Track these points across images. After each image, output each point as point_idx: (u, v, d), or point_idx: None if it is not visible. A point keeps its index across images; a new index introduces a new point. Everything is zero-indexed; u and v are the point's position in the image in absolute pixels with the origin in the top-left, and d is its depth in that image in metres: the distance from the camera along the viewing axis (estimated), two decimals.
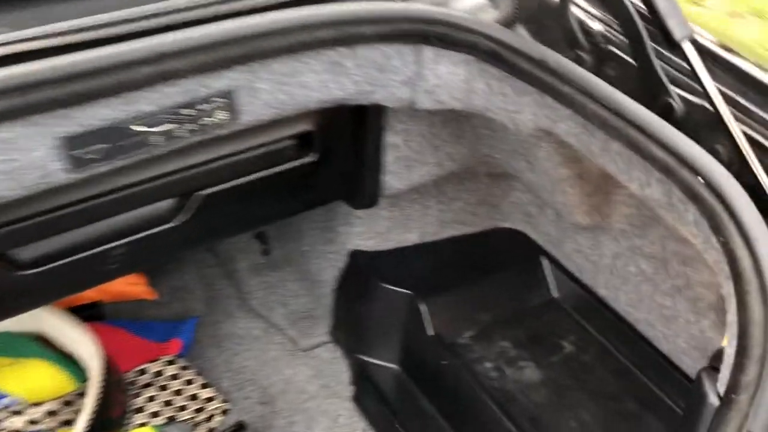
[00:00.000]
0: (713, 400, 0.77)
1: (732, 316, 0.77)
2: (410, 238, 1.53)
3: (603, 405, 1.31)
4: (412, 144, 1.27)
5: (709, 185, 0.79)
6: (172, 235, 1.06)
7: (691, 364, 1.23)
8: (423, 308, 1.41)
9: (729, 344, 0.77)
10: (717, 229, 0.77)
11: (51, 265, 0.98)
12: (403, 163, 1.28)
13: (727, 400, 0.75)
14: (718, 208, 0.77)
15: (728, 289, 0.77)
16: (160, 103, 0.87)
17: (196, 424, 1.51)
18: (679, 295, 1.18)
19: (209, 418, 1.53)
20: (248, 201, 1.15)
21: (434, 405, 1.42)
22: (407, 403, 1.45)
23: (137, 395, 1.51)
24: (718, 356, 0.82)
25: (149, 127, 0.87)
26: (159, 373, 1.57)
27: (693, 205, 0.80)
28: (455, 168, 1.37)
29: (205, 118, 0.90)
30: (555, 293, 1.52)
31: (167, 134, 0.89)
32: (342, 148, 1.22)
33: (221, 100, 0.92)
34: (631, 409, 1.30)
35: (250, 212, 1.18)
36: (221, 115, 0.91)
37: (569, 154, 1.12)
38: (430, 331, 1.41)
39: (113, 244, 1.02)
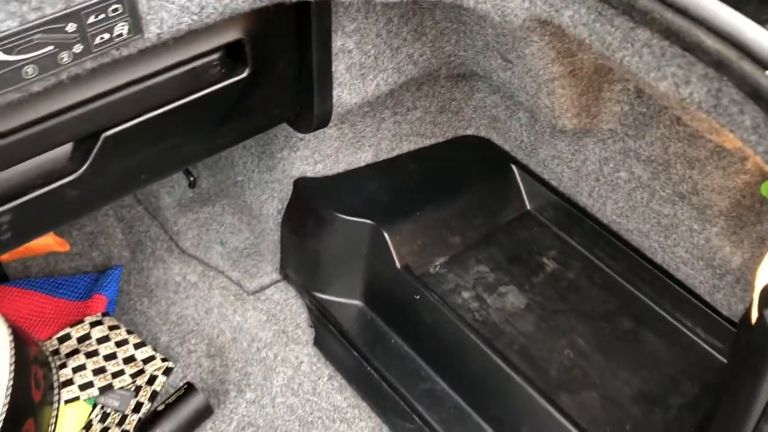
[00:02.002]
0: None
1: None
2: (363, 157, 1.32)
3: (596, 326, 1.19)
4: (367, 47, 1.04)
5: None
6: (75, 190, 0.82)
7: (691, 274, 1.11)
8: (388, 238, 1.23)
9: None
10: None
11: None
12: (356, 71, 1.05)
13: None
14: None
15: None
16: (26, 17, 0.61)
17: (137, 389, 1.32)
18: (681, 202, 1.04)
19: (151, 380, 1.33)
20: (167, 138, 0.90)
21: (407, 343, 1.27)
22: (376, 342, 1.30)
23: (62, 366, 1.30)
24: None
25: (17, 54, 0.61)
26: (85, 338, 1.35)
27: (754, 106, 0.63)
28: (415, 73, 1.15)
29: (98, 36, 0.65)
30: (529, 205, 1.36)
31: (47, 62, 0.64)
32: (281, 60, 0.97)
33: (117, 6, 0.66)
34: (627, 327, 1.19)
35: (171, 152, 0.93)
36: (120, 29, 0.66)
37: (564, 49, 0.92)
38: (398, 264, 1.23)
39: None
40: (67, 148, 0.81)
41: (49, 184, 0.79)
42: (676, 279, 1.17)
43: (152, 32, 0.69)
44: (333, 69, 1.02)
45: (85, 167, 0.81)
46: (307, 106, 1.03)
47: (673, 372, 1.13)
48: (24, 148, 0.75)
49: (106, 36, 0.66)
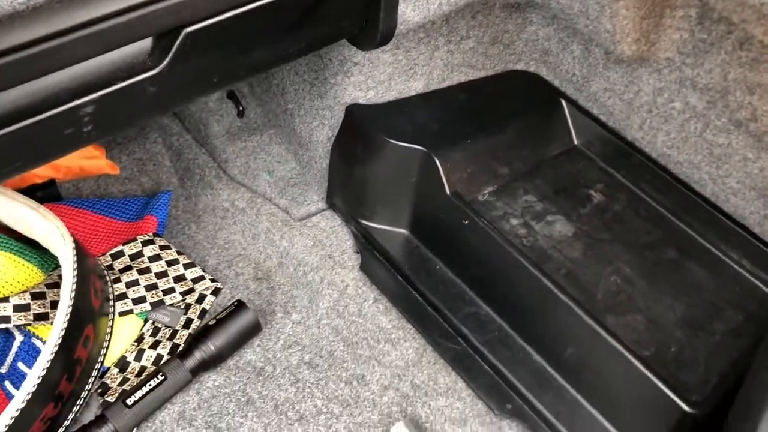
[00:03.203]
0: None
1: None
2: (414, 86, 1.33)
3: (641, 255, 1.21)
4: None
5: None
6: (153, 86, 0.84)
7: (741, 204, 1.12)
8: (439, 164, 1.25)
9: None
10: None
11: (6, 130, 0.76)
12: None
13: None
14: None
15: None
16: None
17: (187, 307, 1.36)
18: (738, 131, 1.05)
19: (200, 299, 1.38)
20: (241, 40, 0.92)
21: (452, 270, 1.30)
22: (421, 268, 1.33)
23: (116, 281, 1.34)
24: None
25: None
26: (137, 255, 1.39)
27: None
28: None
29: None
30: (577, 140, 1.37)
31: None
32: None
33: None
34: (672, 257, 1.20)
35: (243, 56, 0.95)
36: None
37: None
38: (448, 190, 1.25)
39: (82, 100, 0.79)
40: (148, 43, 0.84)
41: (130, 77, 0.82)
42: (724, 212, 1.18)
43: None
44: None
45: (164, 63, 0.83)
46: (373, 21, 1.04)
47: (717, 300, 1.15)
48: (109, 38, 0.77)
49: None
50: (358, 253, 1.39)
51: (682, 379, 1.04)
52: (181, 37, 0.83)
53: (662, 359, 1.06)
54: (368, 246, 1.38)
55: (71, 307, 1.13)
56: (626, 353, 1.04)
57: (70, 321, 1.13)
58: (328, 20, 1.01)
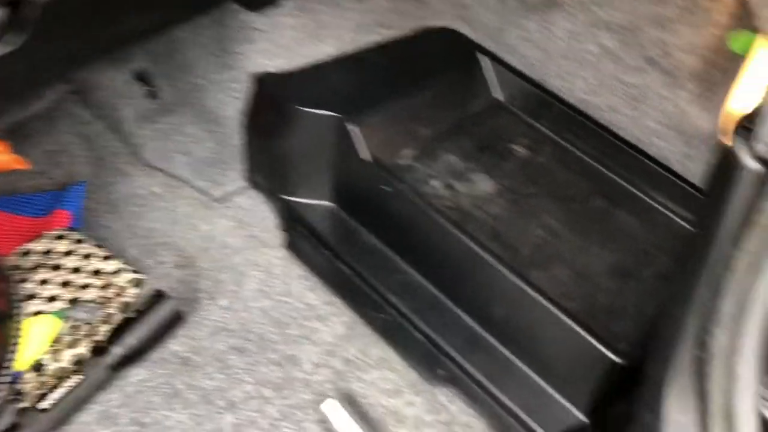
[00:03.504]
0: (751, 164, 0.62)
1: None
2: (325, 50, 1.27)
3: (567, 207, 1.17)
4: None
5: None
6: (18, 62, 0.77)
7: (663, 145, 1.10)
8: (354, 131, 1.19)
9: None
10: None
11: None
12: None
13: None
14: None
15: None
16: None
17: (107, 301, 1.29)
18: (651, 68, 1.01)
19: (120, 292, 1.31)
20: (110, 8, 0.85)
21: (379, 238, 1.25)
22: (347, 240, 1.28)
23: (23, 281, 1.27)
24: (746, 118, 0.65)
25: None
26: (48, 252, 1.32)
27: None
28: None
29: None
30: (499, 94, 1.33)
31: None
32: None
33: None
34: (599, 207, 1.17)
35: (110, 25, 0.88)
36: None
37: None
38: (366, 156, 1.20)
39: None
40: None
41: None
42: (647, 154, 1.15)
43: None
44: None
45: (15, 37, 0.76)
46: None
47: (646, 246, 1.12)
48: None
49: None
50: (282, 230, 1.34)
51: (611, 330, 1.01)
52: (33, 5, 0.75)
53: (590, 311, 1.03)
54: (292, 222, 1.32)
55: None
56: (552, 307, 1.00)
57: None
58: None
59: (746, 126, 0.64)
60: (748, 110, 0.65)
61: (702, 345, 0.67)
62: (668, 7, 0.96)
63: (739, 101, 0.69)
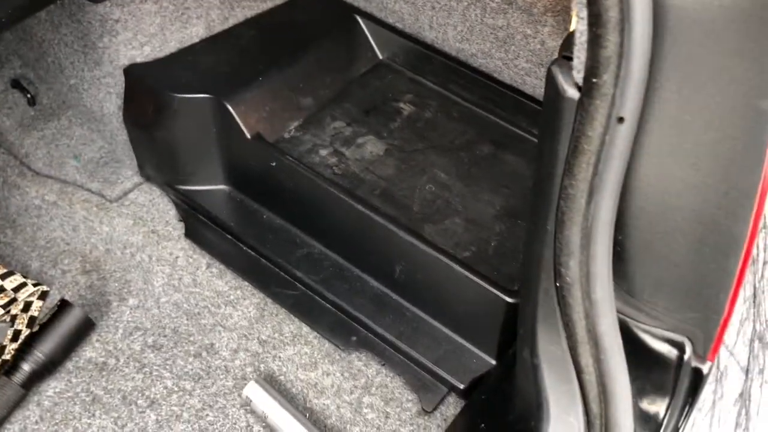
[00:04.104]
0: (572, 93, 0.62)
1: None
2: (194, 32, 1.24)
3: (455, 157, 1.17)
4: None
5: None
6: None
7: (537, 83, 1.10)
8: (232, 110, 1.17)
9: (578, 19, 0.60)
10: None
11: None
12: None
13: (587, 88, 0.60)
14: None
15: None
16: None
17: (13, 318, 1.26)
18: (511, 8, 1.01)
19: (26, 307, 1.27)
20: None
21: (278, 215, 1.24)
22: (247, 221, 1.26)
23: None
24: (568, 44, 0.65)
25: None
26: None
27: None
28: None
29: None
30: (381, 54, 1.31)
31: None
32: None
33: None
34: (486, 153, 1.18)
35: None
36: None
37: None
38: (248, 134, 1.18)
39: None
40: None
41: None
42: (525, 93, 1.15)
43: None
44: None
45: None
46: None
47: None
48: None
49: None
50: (181, 221, 1.32)
51: (503, 272, 1.02)
52: None
53: (483, 256, 1.04)
54: (190, 211, 1.30)
55: None
56: (445, 259, 1.01)
57: None
58: None
59: (566, 55, 0.65)
60: (568, 39, 0.65)
61: (559, 276, 0.68)
62: None
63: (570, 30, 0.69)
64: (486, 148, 1.18)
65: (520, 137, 1.18)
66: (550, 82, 0.64)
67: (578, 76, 0.62)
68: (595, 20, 0.58)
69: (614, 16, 0.57)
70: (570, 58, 0.64)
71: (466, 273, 1.00)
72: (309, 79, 1.26)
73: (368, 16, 1.31)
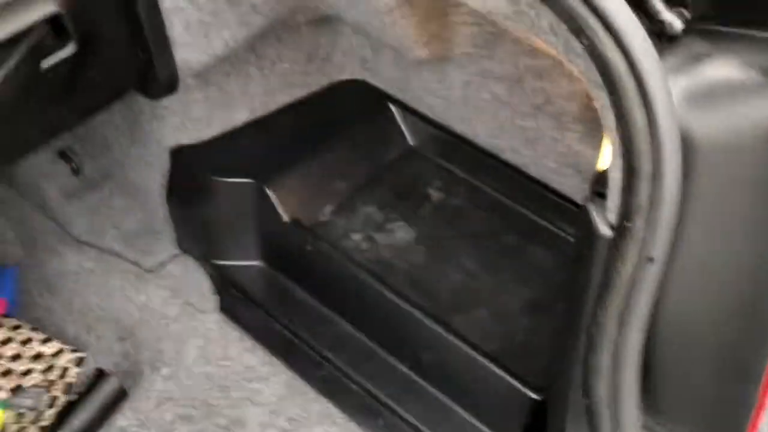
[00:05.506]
0: (604, 232, 0.67)
1: (611, 132, 0.65)
2: (237, 117, 1.30)
3: (483, 246, 1.22)
4: (201, 2, 1.01)
5: None
6: None
7: (563, 182, 1.15)
8: (271, 194, 1.23)
9: (613, 165, 0.66)
10: (579, 31, 0.63)
11: None
12: (196, 29, 1.03)
13: (621, 230, 0.65)
14: (578, 5, 0.62)
15: (602, 100, 0.64)
16: None
17: (50, 384, 1.30)
18: (540, 114, 1.07)
19: (63, 374, 1.32)
20: (26, 107, 0.86)
21: (309, 294, 1.28)
22: (279, 298, 1.31)
23: None
24: (600, 180, 0.70)
25: None
26: None
27: (546, 8, 0.64)
28: (265, 23, 1.13)
29: None
30: (412, 141, 1.38)
31: None
32: (110, 29, 0.94)
33: None
34: (513, 244, 1.22)
35: (11, 133, 0.90)
36: None
37: None
38: (285, 218, 1.23)
39: None
40: None
41: None
42: (553, 190, 1.20)
43: None
44: (169, 30, 1.00)
45: None
46: (150, 73, 1.01)
47: (558, 279, 1.17)
48: None
49: None
50: (216, 294, 1.37)
51: (529, 367, 1.06)
52: None
53: (509, 350, 1.08)
54: (225, 285, 1.35)
55: None
56: (472, 351, 1.05)
57: None
58: (97, 83, 0.96)
59: (599, 192, 0.70)
60: (601, 177, 0.70)
61: (588, 394, 0.72)
62: (544, 59, 1.01)
63: (600, 167, 0.74)
64: (512, 238, 1.23)
65: (545, 229, 1.23)
66: (585, 219, 0.69)
67: (611, 216, 0.67)
68: (629, 171, 0.63)
69: (647, 168, 0.62)
70: (602, 196, 0.69)
71: (493, 367, 1.03)
72: (343, 164, 1.32)
73: (400, 104, 1.37)
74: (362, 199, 1.30)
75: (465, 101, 1.20)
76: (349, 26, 1.30)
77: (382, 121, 1.37)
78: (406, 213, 1.27)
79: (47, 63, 0.87)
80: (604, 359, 0.69)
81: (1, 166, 1.15)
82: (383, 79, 1.36)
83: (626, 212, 0.64)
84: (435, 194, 1.31)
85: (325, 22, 1.29)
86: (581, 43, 0.64)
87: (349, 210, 1.28)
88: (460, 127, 1.27)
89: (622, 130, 0.63)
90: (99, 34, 0.91)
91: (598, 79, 0.64)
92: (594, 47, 0.63)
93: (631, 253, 0.64)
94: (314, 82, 1.37)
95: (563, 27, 0.66)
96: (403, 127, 1.36)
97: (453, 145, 1.32)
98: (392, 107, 1.37)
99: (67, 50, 0.87)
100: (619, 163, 0.64)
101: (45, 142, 1.14)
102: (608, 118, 0.65)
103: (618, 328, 0.68)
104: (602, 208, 0.68)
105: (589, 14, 0.62)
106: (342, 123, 1.35)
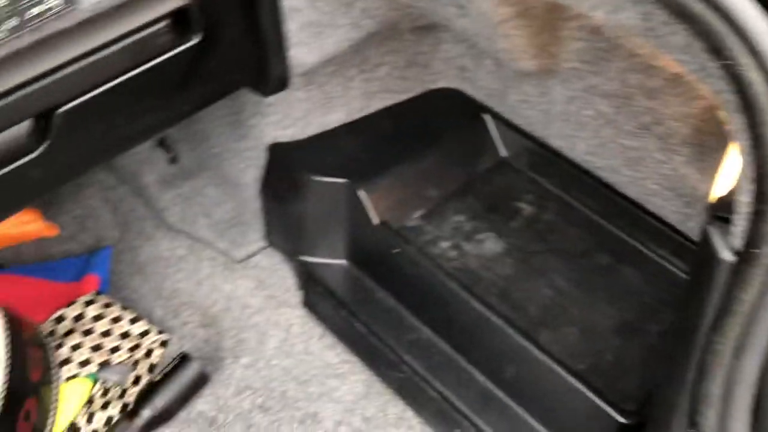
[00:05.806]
0: (727, 257, 0.65)
1: (743, 156, 0.63)
2: (334, 118, 1.33)
3: (574, 264, 1.21)
4: (319, 3, 1.04)
5: None
6: (37, 168, 0.84)
7: (662, 204, 1.13)
8: (363, 196, 1.24)
9: (742, 189, 0.64)
10: (717, 50, 0.62)
11: None
12: (310, 29, 1.06)
13: (746, 256, 0.63)
14: (717, 23, 0.61)
15: (737, 123, 0.63)
16: None
17: (135, 363, 1.35)
18: (646, 134, 1.05)
19: (148, 354, 1.37)
20: (123, 110, 0.91)
21: (392, 297, 1.29)
22: (363, 298, 1.32)
23: (59, 346, 1.33)
24: (722, 204, 0.69)
25: None
26: (79, 317, 1.38)
27: (683, 26, 0.63)
28: (374, 27, 1.16)
29: (31, 8, 0.65)
30: (504, 152, 1.37)
31: None
32: (231, 23, 0.97)
33: None
34: (605, 263, 1.20)
35: (131, 124, 0.94)
36: (52, 1, 0.66)
37: None
38: (375, 220, 1.25)
39: None
40: (26, 126, 0.83)
41: (11, 163, 0.81)
42: (649, 212, 1.18)
43: (85, 3, 0.70)
44: (286, 29, 1.03)
45: (45, 145, 0.83)
46: (264, 69, 1.04)
47: (650, 301, 1.15)
48: None
49: (38, 9, 0.67)
50: (300, 289, 1.39)
51: (618, 389, 1.04)
52: (54, 117, 0.82)
53: (598, 370, 1.06)
54: (310, 281, 1.37)
55: (5, 385, 1.13)
56: (559, 369, 1.04)
57: (5, 399, 1.12)
58: (214, 76, 1.00)
59: (722, 216, 0.68)
60: (723, 200, 0.69)
61: (694, 424, 0.70)
62: (655, 78, 1.00)
63: (720, 190, 0.72)
64: (604, 258, 1.21)
65: (638, 251, 1.20)
66: (705, 242, 0.67)
67: (736, 241, 0.65)
68: (761, 197, 0.62)
69: None
70: (725, 220, 0.68)
71: (580, 386, 1.02)
72: (435, 171, 1.33)
73: (495, 115, 1.37)
74: (452, 207, 1.30)
75: (566, 116, 1.19)
76: (451, 34, 1.31)
77: (476, 130, 1.37)
78: (496, 224, 1.27)
79: (169, 55, 0.90)
80: (716, 386, 0.68)
81: (119, 154, 1.20)
82: (480, 88, 1.36)
83: (755, 239, 0.62)
84: (526, 208, 1.30)
85: (428, 29, 1.31)
86: (718, 62, 0.63)
87: (438, 217, 1.29)
88: (557, 142, 1.26)
89: (756, 153, 0.61)
90: (221, 30, 0.95)
91: (733, 100, 0.63)
92: (732, 67, 0.61)
93: (756, 280, 0.63)
94: (412, 88, 1.39)
95: (696, 46, 0.65)
96: (497, 138, 1.36)
97: (546, 159, 1.31)
98: (486, 118, 1.37)
99: (191, 42, 0.91)
100: (750, 187, 0.62)
101: (159, 132, 1.19)
102: (741, 141, 0.63)
103: (734, 356, 0.66)
104: (725, 233, 0.67)
105: (729, 33, 0.61)
106: (435, 130, 1.36)
